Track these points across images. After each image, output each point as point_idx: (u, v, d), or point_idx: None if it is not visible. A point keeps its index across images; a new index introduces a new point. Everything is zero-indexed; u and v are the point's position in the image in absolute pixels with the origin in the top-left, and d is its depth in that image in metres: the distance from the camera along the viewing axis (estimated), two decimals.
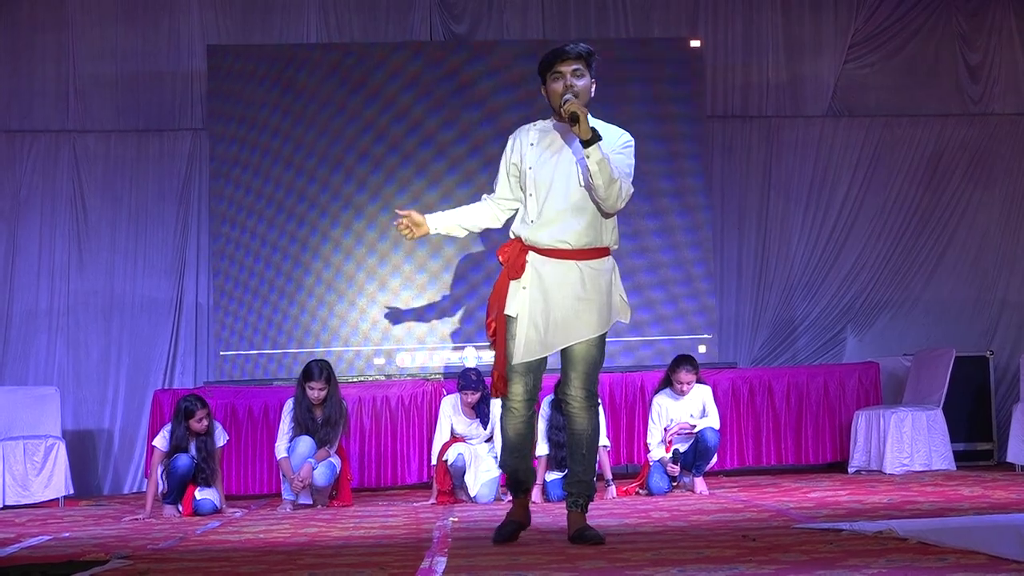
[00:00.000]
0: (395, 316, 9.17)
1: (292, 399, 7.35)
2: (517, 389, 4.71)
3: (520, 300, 4.67)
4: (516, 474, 4.84)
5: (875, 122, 10.09)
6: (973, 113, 10.14)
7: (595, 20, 9.94)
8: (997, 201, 10.12)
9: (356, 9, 9.82)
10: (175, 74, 9.68)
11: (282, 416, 7.37)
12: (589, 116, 4.59)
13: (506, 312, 4.69)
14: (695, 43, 9.62)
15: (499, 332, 4.69)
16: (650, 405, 7.59)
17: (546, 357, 4.74)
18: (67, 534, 5.93)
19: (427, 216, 4.94)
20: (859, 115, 10.10)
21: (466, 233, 5.05)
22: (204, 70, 9.48)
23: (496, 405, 7.29)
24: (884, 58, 10.11)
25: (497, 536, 4.77)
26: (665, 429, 7.38)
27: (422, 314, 9.18)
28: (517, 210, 4.87)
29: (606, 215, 4.70)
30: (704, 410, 7.39)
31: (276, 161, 9.27)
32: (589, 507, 4.80)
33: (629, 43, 9.75)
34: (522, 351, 4.66)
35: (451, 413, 7.48)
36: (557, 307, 4.65)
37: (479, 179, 9.09)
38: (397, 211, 5.03)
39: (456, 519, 6.05)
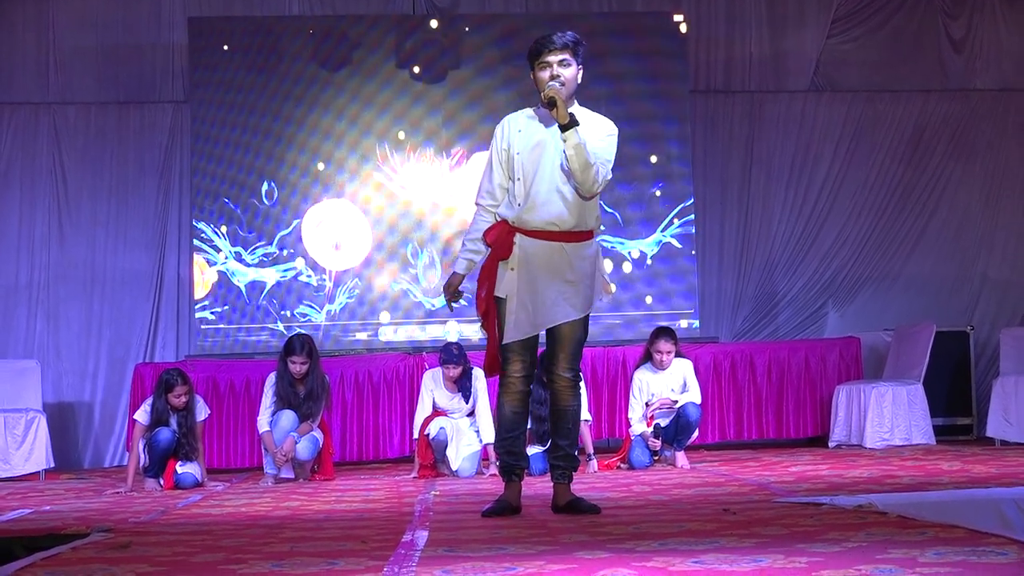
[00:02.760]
0: (379, 289, 9.17)
1: (274, 373, 7.34)
2: (516, 367, 4.86)
3: (508, 281, 4.80)
4: (509, 458, 4.92)
5: (857, 97, 10.09)
6: (955, 88, 10.15)
7: None
8: (978, 177, 10.14)
9: None
10: (156, 46, 9.60)
11: (264, 390, 7.36)
12: (576, 103, 4.80)
13: (496, 294, 4.81)
14: (678, 17, 9.60)
15: (491, 315, 4.82)
16: (631, 380, 7.60)
17: (537, 335, 4.86)
18: (48, 507, 5.91)
19: (455, 273, 4.96)
20: (841, 90, 10.09)
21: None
22: (186, 42, 9.42)
23: (479, 379, 7.34)
24: (867, 33, 10.10)
25: (487, 511, 4.80)
26: (647, 404, 7.39)
27: (405, 288, 9.16)
28: None
29: (584, 199, 4.79)
30: (685, 385, 7.40)
31: (257, 133, 9.24)
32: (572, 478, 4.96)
33: (612, 17, 9.73)
34: (513, 330, 4.79)
35: (433, 387, 7.47)
36: (544, 288, 4.77)
37: (459, 146, 9.21)
38: (449, 303, 5.02)
39: (438, 493, 6.06)
